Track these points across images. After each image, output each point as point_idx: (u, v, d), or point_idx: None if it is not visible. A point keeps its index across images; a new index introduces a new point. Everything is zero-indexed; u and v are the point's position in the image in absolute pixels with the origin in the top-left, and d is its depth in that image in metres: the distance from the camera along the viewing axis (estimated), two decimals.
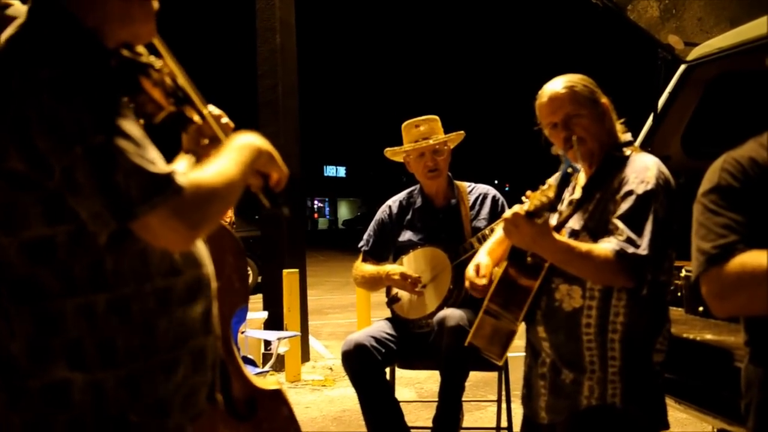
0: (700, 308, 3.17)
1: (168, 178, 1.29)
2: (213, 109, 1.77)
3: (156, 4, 1.54)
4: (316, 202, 59.41)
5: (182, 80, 1.63)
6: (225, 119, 1.79)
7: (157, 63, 1.57)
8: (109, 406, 1.38)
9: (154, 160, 1.30)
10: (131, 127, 1.31)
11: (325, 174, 58.06)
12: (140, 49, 1.55)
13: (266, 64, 6.77)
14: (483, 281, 2.65)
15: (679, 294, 3.34)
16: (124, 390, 1.39)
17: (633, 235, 2.21)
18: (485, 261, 2.74)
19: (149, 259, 1.41)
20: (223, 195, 1.40)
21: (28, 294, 1.36)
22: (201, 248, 1.57)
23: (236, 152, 1.51)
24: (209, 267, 1.59)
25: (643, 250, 2.19)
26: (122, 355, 1.38)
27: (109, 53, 1.44)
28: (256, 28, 6.79)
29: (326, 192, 58.51)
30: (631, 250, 2.19)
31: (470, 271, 2.73)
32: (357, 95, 51.67)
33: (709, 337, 2.80)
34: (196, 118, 1.68)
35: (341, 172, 60.51)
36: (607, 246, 2.21)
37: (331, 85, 49.05)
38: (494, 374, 3.69)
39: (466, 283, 2.73)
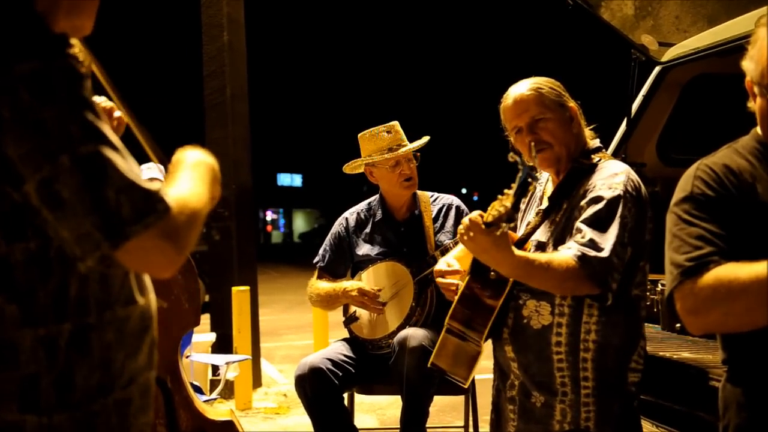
0: (678, 325, 3.23)
1: (159, 196, 1.25)
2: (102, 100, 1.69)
3: None
4: (269, 213, 59.02)
5: (95, 67, 1.58)
6: (117, 113, 1.72)
7: (79, 54, 1.47)
8: None
9: (139, 173, 1.25)
10: (112, 134, 1.25)
11: (279, 183, 57.71)
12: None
13: (213, 64, 6.73)
14: (454, 272, 2.62)
15: (655, 310, 3.40)
16: None
17: (596, 237, 2.25)
18: (455, 261, 2.72)
19: (110, 284, 1.35)
20: (202, 215, 1.38)
21: None
22: None
23: (197, 170, 1.48)
24: (153, 293, 1.54)
25: (605, 253, 2.23)
26: (80, 394, 1.30)
27: (63, 41, 1.34)
28: (202, 24, 6.75)
29: (280, 202, 58.17)
30: (592, 253, 2.22)
31: (441, 265, 2.70)
32: (312, 97, 51.51)
33: (686, 355, 2.85)
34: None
35: (297, 180, 60.22)
36: (567, 253, 2.24)
37: (285, 86, 48.89)
38: (461, 398, 3.70)
39: (438, 279, 2.68)
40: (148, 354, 1.46)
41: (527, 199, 2.63)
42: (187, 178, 1.43)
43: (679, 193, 1.77)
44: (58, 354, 1.27)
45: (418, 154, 3.65)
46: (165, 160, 1.58)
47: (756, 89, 1.72)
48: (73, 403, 1.29)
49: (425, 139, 3.66)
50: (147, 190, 1.23)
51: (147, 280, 1.50)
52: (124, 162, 1.23)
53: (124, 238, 1.21)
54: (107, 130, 1.24)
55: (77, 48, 1.52)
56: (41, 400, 1.27)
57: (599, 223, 2.28)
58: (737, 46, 1.93)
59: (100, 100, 1.69)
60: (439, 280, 2.67)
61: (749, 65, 1.72)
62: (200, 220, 1.37)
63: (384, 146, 3.59)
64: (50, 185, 1.18)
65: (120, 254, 1.24)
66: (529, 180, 2.08)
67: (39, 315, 1.26)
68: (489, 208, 2.16)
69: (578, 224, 2.31)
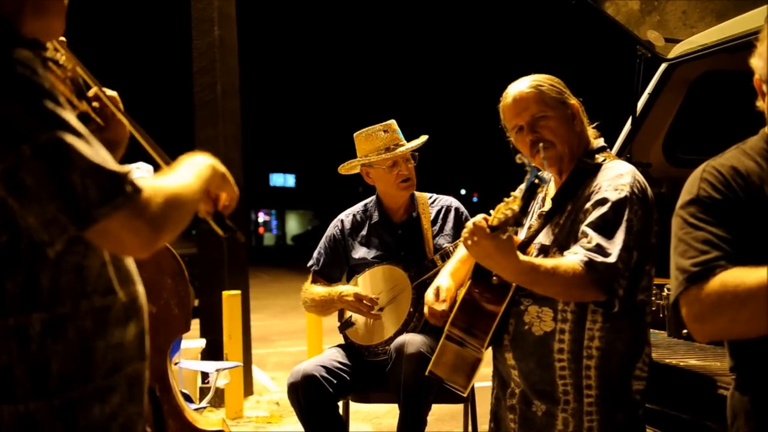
0: (685, 331, 3.23)
1: (127, 178, 1.30)
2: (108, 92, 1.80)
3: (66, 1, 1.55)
4: (261, 215, 58.91)
5: (81, 71, 1.66)
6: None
7: (60, 57, 1.59)
8: None
9: (106, 158, 1.31)
10: (76, 121, 1.31)
11: (272, 183, 57.57)
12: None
13: (203, 60, 6.72)
14: (442, 306, 2.66)
15: (661, 315, 3.40)
16: (61, 423, 1.36)
17: (603, 242, 2.25)
18: (446, 284, 2.75)
19: (86, 275, 1.41)
20: (183, 199, 1.44)
21: None
22: (132, 264, 1.58)
23: (192, 166, 1.56)
24: (140, 285, 1.60)
25: (612, 258, 2.23)
26: (57, 382, 1.36)
27: (34, 44, 1.44)
28: (192, 19, 6.75)
29: (273, 203, 57.99)
30: (599, 259, 2.22)
31: (429, 295, 2.74)
32: (306, 95, 51.40)
33: (693, 362, 2.86)
34: (93, 114, 1.72)
35: (290, 180, 60.04)
36: (573, 258, 2.24)
37: (278, 83, 48.84)
38: (460, 407, 3.71)
39: (425, 309, 2.74)
40: (137, 345, 1.53)
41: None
42: (177, 171, 1.52)
43: (685, 196, 1.78)
44: (31, 343, 1.34)
45: (416, 153, 3.65)
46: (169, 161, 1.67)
47: (765, 87, 1.72)
48: (50, 391, 1.35)
49: (423, 138, 3.66)
50: (114, 172, 1.29)
51: (132, 270, 1.57)
52: (89, 147, 1.29)
53: (92, 221, 1.27)
54: (70, 117, 1.29)
55: (60, 53, 1.59)
56: (17, 390, 1.33)
57: (606, 227, 2.28)
58: (746, 43, 1.94)
59: (113, 94, 1.79)
60: (430, 318, 2.72)
61: (758, 63, 1.73)
62: (182, 203, 1.44)
63: (381, 146, 3.59)
64: (14, 174, 1.24)
65: (92, 236, 1.31)
66: (537, 182, 2.08)
67: (8, 305, 1.32)
68: (494, 212, 2.15)
69: (584, 228, 2.31)
